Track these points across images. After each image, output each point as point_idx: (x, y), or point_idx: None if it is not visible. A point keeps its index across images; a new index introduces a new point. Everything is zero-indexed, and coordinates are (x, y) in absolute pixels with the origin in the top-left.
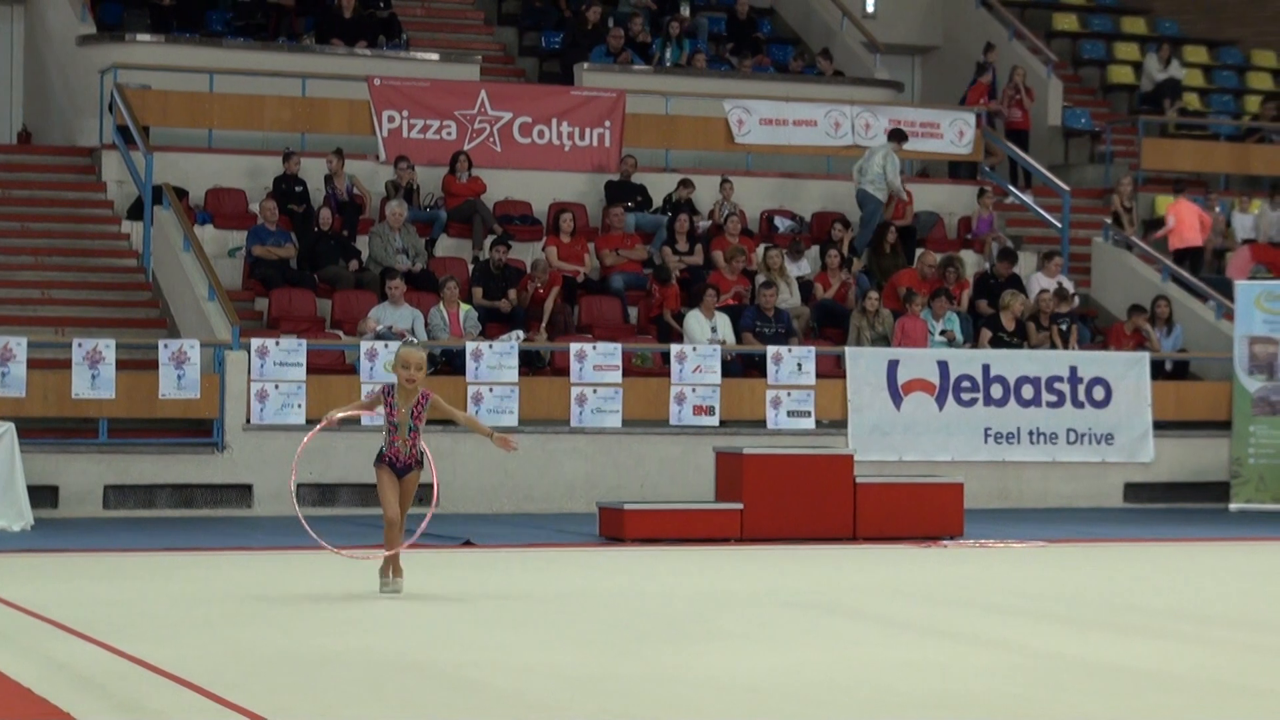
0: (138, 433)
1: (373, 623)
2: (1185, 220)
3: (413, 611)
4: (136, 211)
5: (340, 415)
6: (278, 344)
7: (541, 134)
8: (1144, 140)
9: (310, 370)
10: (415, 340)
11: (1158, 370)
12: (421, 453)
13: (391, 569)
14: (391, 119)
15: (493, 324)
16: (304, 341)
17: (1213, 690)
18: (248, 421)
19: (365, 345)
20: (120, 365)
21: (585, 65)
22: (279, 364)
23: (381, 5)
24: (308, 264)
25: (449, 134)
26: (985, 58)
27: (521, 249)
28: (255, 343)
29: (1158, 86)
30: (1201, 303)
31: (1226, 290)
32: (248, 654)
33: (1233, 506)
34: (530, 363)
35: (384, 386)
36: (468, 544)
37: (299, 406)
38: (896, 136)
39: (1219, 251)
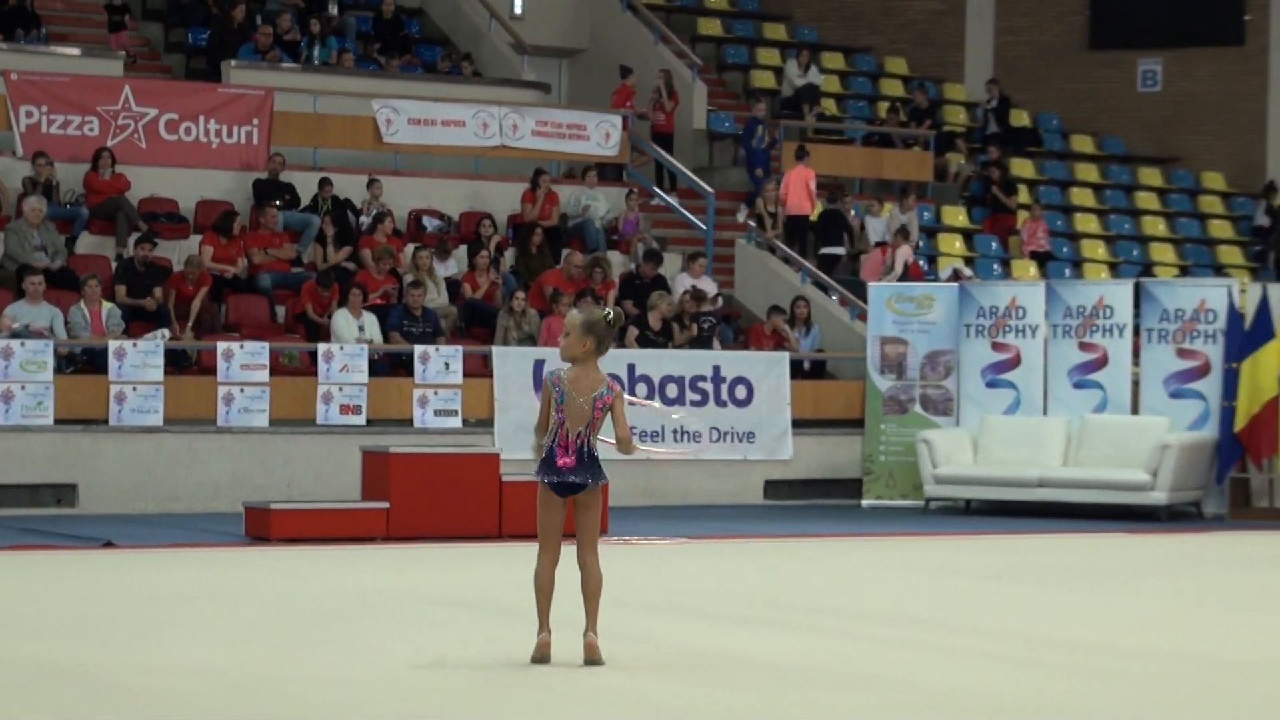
0: None
1: (12, 626)
2: (793, 187)
3: (54, 614)
4: None
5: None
6: None
7: (188, 131)
8: (784, 144)
9: None
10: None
11: (796, 370)
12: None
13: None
14: (30, 114)
15: (137, 323)
16: None
17: (852, 682)
18: None
19: (0, 344)
20: None
21: (233, 63)
22: None
23: None
24: None
25: (91, 130)
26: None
27: (168, 246)
28: None
29: (798, 92)
30: (838, 304)
31: (861, 291)
32: None
33: (864, 503)
34: (176, 362)
35: (551, 375)
36: (109, 545)
37: None
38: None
39: (853, 255)
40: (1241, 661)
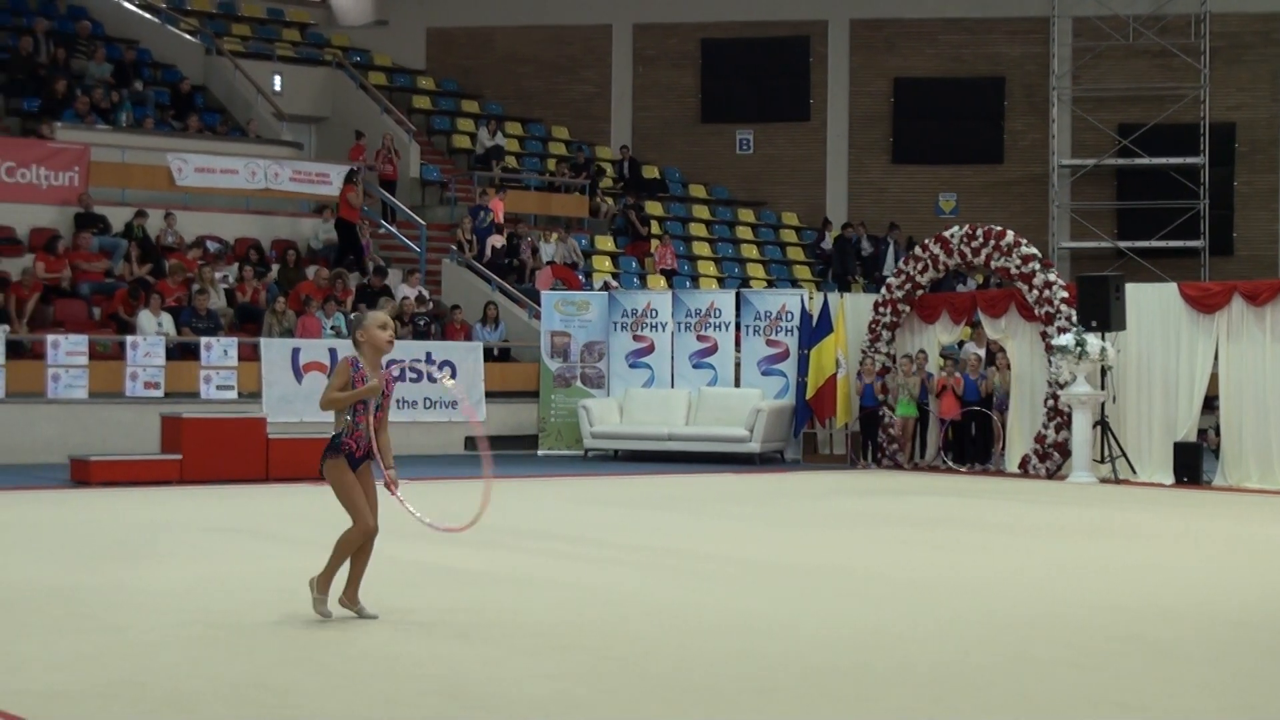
0: None
1: None
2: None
3: None
4: None
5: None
6: None
7: (24, 175)
8: (478, 189)
9: None
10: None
11: (488, 355)
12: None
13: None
14: None
15: None
16: None
17: (531, 584)
18: None
19: None
20: None
21: (59, 124)
22: None
23: None
24: None
25: None
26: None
27: (6, 263)
28: None
29: (487, 151)
30: (519, 307)
31: (536, 298)
32: None
33: (540, 452)
34: (15, 350)
35: (348, 359)
36: None
37: None
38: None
39: (530, 271)
40: (806, 566)
